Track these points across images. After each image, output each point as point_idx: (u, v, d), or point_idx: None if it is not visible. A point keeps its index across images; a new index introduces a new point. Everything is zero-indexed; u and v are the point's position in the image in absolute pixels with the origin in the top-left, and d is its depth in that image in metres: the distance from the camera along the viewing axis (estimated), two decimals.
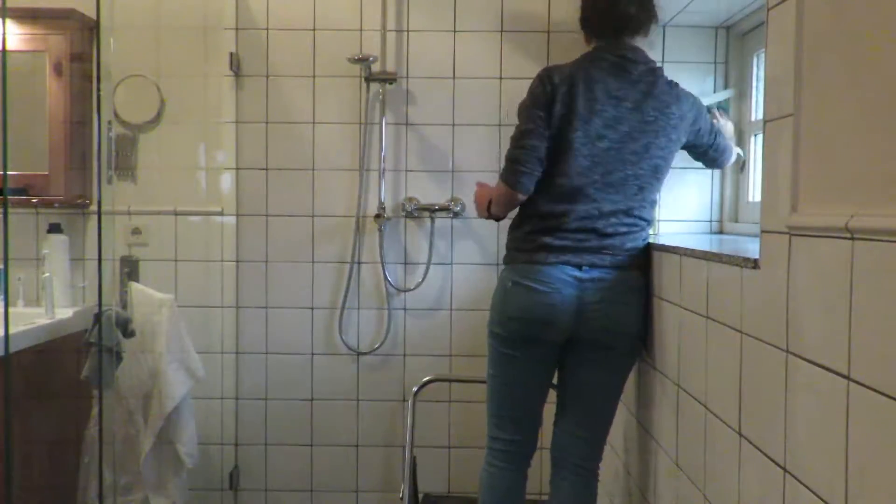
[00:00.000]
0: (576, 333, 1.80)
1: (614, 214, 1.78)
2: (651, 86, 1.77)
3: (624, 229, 1.79)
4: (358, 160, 2.60)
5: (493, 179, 2.60)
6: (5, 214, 1.90)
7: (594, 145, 1.75)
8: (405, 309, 2.64)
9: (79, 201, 2.54)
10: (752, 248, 1.33)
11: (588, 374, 1.85)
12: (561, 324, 1.79)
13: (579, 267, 1.77)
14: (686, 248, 1.59)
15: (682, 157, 2.30)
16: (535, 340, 1.82)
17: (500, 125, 2.60)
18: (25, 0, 2.46)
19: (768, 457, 1.15)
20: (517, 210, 1.89)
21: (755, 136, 2.12)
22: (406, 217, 2.62)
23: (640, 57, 1.79)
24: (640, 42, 1.82)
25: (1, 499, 1.89)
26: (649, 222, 1.85)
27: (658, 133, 1.77)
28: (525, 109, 1.83)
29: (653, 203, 1.86)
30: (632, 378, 2.00)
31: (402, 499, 2.32)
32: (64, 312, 2.36)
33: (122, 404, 2.33)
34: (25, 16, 2.45)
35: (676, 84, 1.83)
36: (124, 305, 2.35)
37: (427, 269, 2.59)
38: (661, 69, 1.82)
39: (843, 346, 0.93)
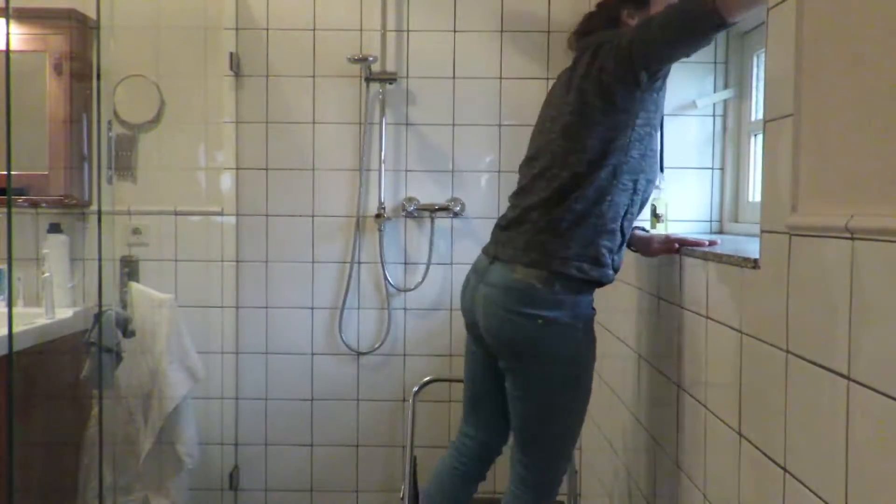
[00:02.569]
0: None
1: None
2: None
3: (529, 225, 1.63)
4: (358, 160, 2.60)
5: (493, 179, 2.62)
6: (9, 214, 1.89)
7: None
8: (405, 309, 2.64)
9: (79, 201, 2.54)
10: (752, 248, 1.33)
11: (509, 386, 1.68)
12: (466, 318, 1.77)
13: (489, 257, 1.70)
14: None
15: (682, 158, 2.30)
16: (470, 333, 1.79)
17: (499, 125, 2.60)
18: (25, 0, 2.46)
19: (768, 457, 1.15)
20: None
21: (755, 136, 2.12)
22: (406, 217, 2.62)
23: None
24: None
25: (1, 499, 1.89)
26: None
27: None
28: None
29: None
30: (632, 378, 2.00)
31: (402, 499, 2.32)
32: (64, 312, 2.36)
33: (122, 404, 2.33)
34: (25, 16, 2.45)
35: None
36: (124, 305, 2.35)
37: (427, 269, 2.59)
38: None
39: (843, 346, 0.92)
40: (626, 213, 1.60)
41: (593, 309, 1.65)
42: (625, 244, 1.65)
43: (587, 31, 1.69)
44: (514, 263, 1.61)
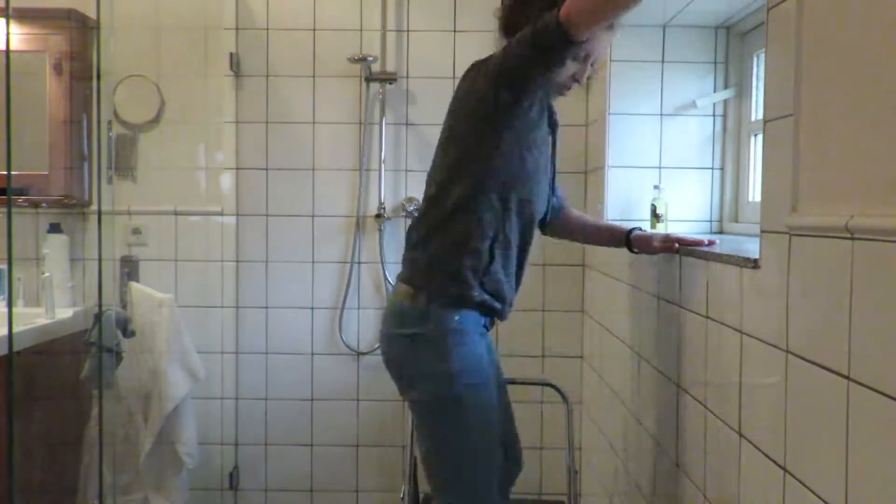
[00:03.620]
0: None
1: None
2: None
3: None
4: (358, 160, 2.60)
5: None
6: (9, 214, 1.89)
7: None
8: None
9: (79, 201, 2.54)
10: (752, 248, 1.33)
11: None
12: None
13: None
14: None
15: (682, 158, 2.30)
16: None
17: None
18: (25, 0, 2.46)
19: (768, 457, 1.15)
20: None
21: (755, 136, 2.12)
22: (406, 217, 2.62)
23: None
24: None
25: (2, 498, 1.89)
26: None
27: None
28: None
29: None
30: (631, 378, 2.00)
31: (402, 499, 2.32)
32: (64, 312, 2.36)
33: (122, 404, 2.33)
34: (25, 16, 2.45)
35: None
36: (124, 305, 2.35)
37: None
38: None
39: (843, 346, 0.92)
40: (497, 235, 1.53)
41: (470, 325, 1.55)
42: (504, 270, 1.57)
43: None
44: (396, 285, 1.63)
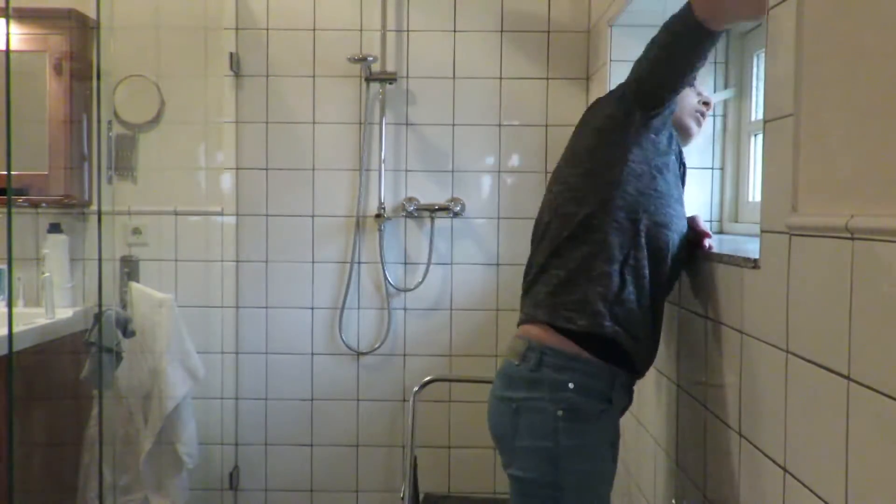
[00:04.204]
0: None
1: None
2: None
3: None
4: (358, 160, 2.60)
5: (493, 179, 2.62)
6: (9, 214, 1.89)
7: None
8: (405, 309, 2.64)
9: (79, 201, 2.54)
10: (752, 248, 1.33)
11: None
12: None
13: None
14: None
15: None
16: None
17: (499, 125, 2.60)
18: (25, 0, 2.46)
19: (768, 457, 1.15)
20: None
21: (755, 136, 2.12)
22: (406, 217, 2.62)
23: None
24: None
25: (2, 499, 1.89)
26: None
27: None
28: None
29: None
30: None
31: (402, 499, 2.32)
32: (64, 312, 2.36)
33: (122, 404, 2.33)
34: (25, 16, 2.45)
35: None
36: (124, 305, 2.35)
37: (427, 269, 2.59)
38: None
39: (843, 346, 0.92)
40: (626, 259, 1.38)
41: (593, 396, 1.36)
42: (639, 301, 1.39)
43: None
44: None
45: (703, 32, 1.28)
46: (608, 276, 1.37)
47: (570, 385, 1.35)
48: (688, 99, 1.57)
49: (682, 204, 1.48)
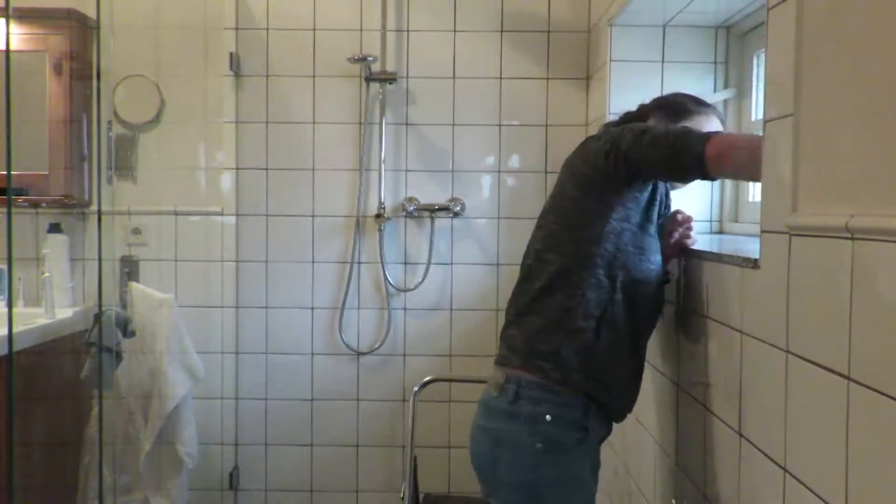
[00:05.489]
0: None
1: None
2: None
3: None
4: (358, 160, 2.60)
5: (493, 179, 2.62)
6: (9, 214, 1.89)
7: None
8: (405, 309, 2.64)
9: (79, 201, 2.54)
10: (752, 248, 1.33)
11: None
12: None
13: None
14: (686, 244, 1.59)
15: None
16: None
17: (499, 125, 2.60)
18: (25, 0, 2.46)
19: (768, 457, 1.15)
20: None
21: None
22: (406, 217, 2.62)
23: None
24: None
25: (1, 499, 1.89)
26: None
27: None
28: None
29: None
30: None
31: (402, 499, 2.32)
32: (64, 312, 2.36)
33: (122, 404, 2.33)
34: (25, 16, 2.45)
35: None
36: (124, 305, 2.35)
37: (427, 269, 2.59)
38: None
39: (843, 345, 0.92)
40: (603, 315, 1.41)
41: (568, 425, 1.40)
42: (616, 350, 1.43)
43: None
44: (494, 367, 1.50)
45: (701, 171, 1.34)
46: (583, 332, 1.41)
47: (548, 417, 1.39)
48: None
49: (659, 252, 1.50)
